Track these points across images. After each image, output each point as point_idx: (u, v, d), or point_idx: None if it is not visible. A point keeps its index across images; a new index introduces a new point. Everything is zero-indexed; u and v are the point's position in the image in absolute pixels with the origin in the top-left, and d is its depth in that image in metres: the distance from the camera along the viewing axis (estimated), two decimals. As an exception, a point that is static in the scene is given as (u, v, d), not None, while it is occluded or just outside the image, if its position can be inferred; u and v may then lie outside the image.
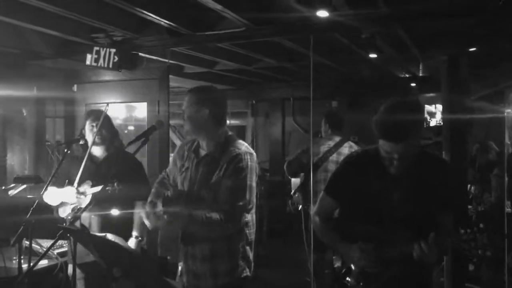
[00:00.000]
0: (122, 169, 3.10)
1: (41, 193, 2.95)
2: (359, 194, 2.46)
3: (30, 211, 2.78)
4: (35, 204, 2.83)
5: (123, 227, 3.53)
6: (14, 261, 3.55)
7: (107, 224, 3.46)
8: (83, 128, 3.64)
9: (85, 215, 3.50)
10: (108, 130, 3.60)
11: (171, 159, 3.06)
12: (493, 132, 5.20)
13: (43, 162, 5.47)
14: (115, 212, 3.27)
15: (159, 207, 2.78)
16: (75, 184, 3.40)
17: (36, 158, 5.34)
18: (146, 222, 2.84)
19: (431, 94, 7.67)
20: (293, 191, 5.12)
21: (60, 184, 3.50)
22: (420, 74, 7.28)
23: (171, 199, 2.65)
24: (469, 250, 2.18)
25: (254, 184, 2.72)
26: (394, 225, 2.36)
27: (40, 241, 3.70)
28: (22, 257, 3.36)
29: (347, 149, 4.70)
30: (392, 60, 5.89)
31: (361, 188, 2.44)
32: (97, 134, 3.52)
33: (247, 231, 2.77)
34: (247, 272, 2.75)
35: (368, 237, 2.39)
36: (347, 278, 2.49)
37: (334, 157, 4.67)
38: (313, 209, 2.67)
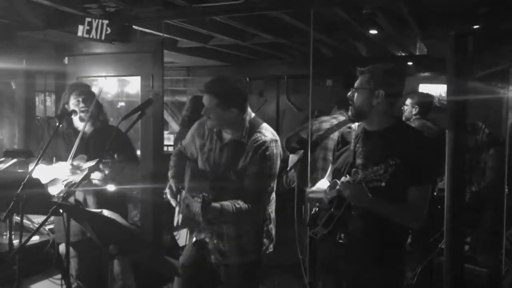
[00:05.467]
0: (113, 143, 3.05)
1: (30, 170, 2.85)
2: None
3: (21, 186, 2.68)
4: (26, 179, 2.73)
5: (119, 204, 3.48)
6: (4, 237, 3.49)
7: (102, 201, 3.39)
8: (67, 102, 3.53)
9: (79, 193, 3.45)
10: (95, 105, 3.51)
11: (188, 134, 2.98)
12: (492, 113, 5.15)
13: (33, 137, 5.35)
14: (111, 187, 3.20)
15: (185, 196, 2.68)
16: (69, 159, 3.32)
17: (26, 132, 5.21)
18: (171, 201, 2.81)
19: (427, 74, 7.63)
20: (289, 167, 5.09)
21: (48, 161, 3.42)
22: (417, 53, 7.21)
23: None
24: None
25: (277, 171, 2.73)
26: None
27: (30, 216, 3.63)
28: (12, 232, 3.30)
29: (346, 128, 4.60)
30: (391, 38, 5.79)
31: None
32: (84, 109, 3.44)
33: (270, 210, 2.82)
34: (271, 249, 2.86)
35: None
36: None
37: (335, 135, 4.58)
38: (310, 186, 2.69)
